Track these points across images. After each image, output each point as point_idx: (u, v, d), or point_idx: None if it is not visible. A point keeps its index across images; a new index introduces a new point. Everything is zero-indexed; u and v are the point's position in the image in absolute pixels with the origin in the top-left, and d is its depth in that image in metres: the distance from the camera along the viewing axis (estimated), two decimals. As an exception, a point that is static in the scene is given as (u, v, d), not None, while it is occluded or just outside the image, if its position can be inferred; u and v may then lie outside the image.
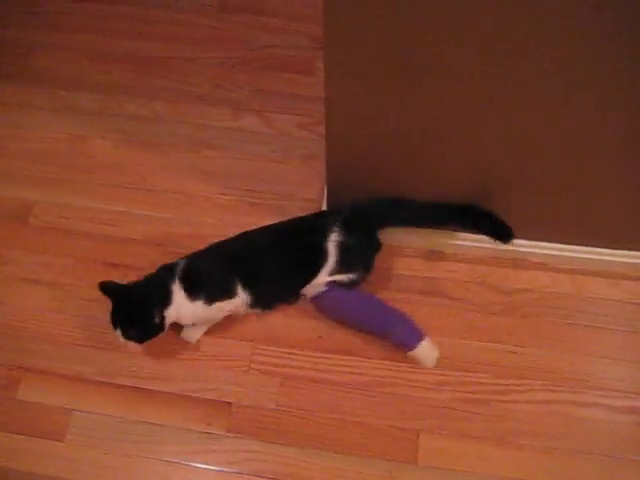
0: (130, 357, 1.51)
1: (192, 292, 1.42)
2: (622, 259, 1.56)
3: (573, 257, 1.57)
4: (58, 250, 1.66)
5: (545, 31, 1.06)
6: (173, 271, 1.44)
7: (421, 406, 1.45)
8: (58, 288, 1.61)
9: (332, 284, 1.47)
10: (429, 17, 1.07)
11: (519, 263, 1.60)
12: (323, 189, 1.63)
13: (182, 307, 1.42)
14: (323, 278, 1.47)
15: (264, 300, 1.50)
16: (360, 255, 1.50)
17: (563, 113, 1.21)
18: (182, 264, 1.45)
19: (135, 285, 1.43)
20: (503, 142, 1.30)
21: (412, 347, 1.46)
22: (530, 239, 1.57)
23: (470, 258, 1.61)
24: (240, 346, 1.53)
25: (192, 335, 1.52)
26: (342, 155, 1.43)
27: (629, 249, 1.55)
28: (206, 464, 1.42)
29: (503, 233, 1.48)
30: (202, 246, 1.51)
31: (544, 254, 1.58)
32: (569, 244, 1.57)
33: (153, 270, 1.47)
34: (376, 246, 1.54)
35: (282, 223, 1.53)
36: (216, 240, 1.52)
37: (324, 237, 1.46)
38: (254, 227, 1.53)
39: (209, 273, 1.46)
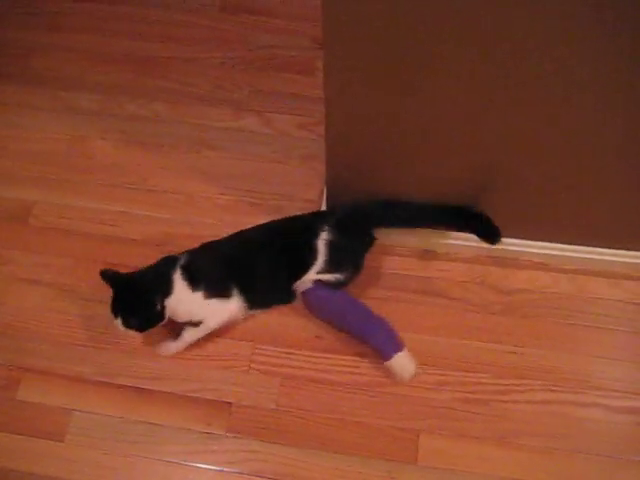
0: (130, 357, 1.52)
1: (193, 283, 1.44)
2: (623, 259, 1.56)
3: (573, 257, 1.57)
4: (58, 250, 1.66)
5: (545, 31, 1.06)
6: (175, 262, 1.46)
7: (421, 406, 1.45)
8: (58, 288, 1.61)
9: (319, 283, 1.47)
10: (429, 16, 1.07)
11: (519, 263, 1.60)
12: (323, 189, 1.63)
13: (182, 298, 1.43)
14: (312, 275, 1.47)
15: (259, 299, 1.51)
16: (350, 256, 1.51)
17: (563, 113, 1.21)
18: (185, 256, 1.47)
19: (137, 273, 1.45)
20: (503, 142, 1.30)
21: (388, 357, 1.45)
22: (530, 239, 1.57)
23: (467, 257, 1.61)
24: (240, 346, 1.53)
25: (169, 348, 1.51)
26: (342, 155, 1.43)
27: (630, 249, 1.55)
28: (206, 464, 1.42)
29: (491, 234, 1.51)
30: (202, 246, 1.52)
31: (544, 254, 1.58)
32: (569, 244, 1.57)
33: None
34: (367, 247, 1.55)
35: (277, 221, 1.55)
36: (216, 240, 1.53)
37: (315, 235, 1.47)
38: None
39: (209, 268, 1.48)
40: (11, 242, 1.68)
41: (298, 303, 1.54)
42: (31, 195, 1.74)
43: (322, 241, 1.47)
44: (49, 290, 1.61)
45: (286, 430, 1.44)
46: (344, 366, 1.50)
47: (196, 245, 1.53)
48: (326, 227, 1.48)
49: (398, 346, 1.45)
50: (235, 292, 1.47)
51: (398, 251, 1.62)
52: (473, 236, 1.54)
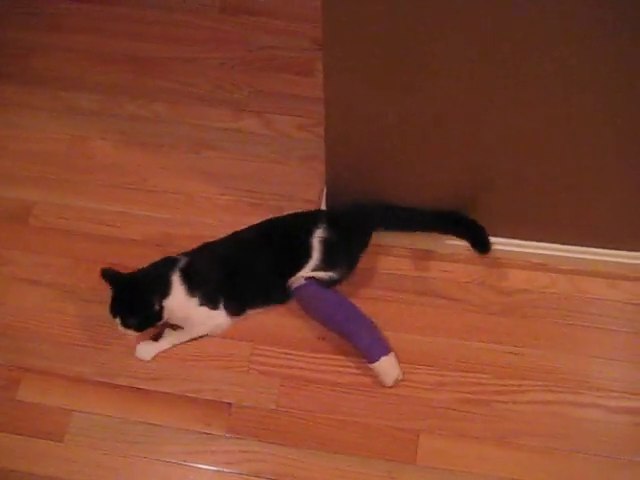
0: (130, 357, 1.51)
1: (190, 287, 1.45)
2: (621, 260, 1.56)
3: (572, 257, 1.57)
4: (58, 250, 1.66)
5: (545, 31, 1.06)
6: (175, 263, 1.46)
7: (421, 406, 1.45)
8: (58, 288, 1.61)
9: (311, 280, 1.48)
10: (429, 17, 1.07)
11: (519, 263, 1.60)
12: (322, 190, 1.63)
13: (178, 301, 1.44)
14: (305, 272, 1.48)
15: (254, 298, 1.52)
16: (344, 254, 1.52)
17: (563, 113, 1.21)
18: (184, 259, 1.48)
19: (137, 273, 1.46)
20: (503, 142, 1.30)
21: (373, 360, 1.44)
22: (529, 239, 1.57)
23: (465, 258, 1.60)
24: (240, 346, 1.53)
25: (148, 352, 1.51)
26: (341, 156, 1.43)
27: (629, 249, 1.55)
28: (206, 464, 1.42)
29: (482, 244, 1.51)
30: (202, 246, 1.52)
31: (543, 254, 1.58)
32: (569, 244, 1.56)
33: (153, 270, 1.48)
34: (363, 247, 1.56)
35: (273, 219, 1.55)
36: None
37: (311, 233, 1.48)
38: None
39: (205, 273, 1.49)
40: (11, 242, 1.67)
41: (296, 303, 1.55)
42: (31, 195, 1.74)
43: (317, 239, 1.47)
44: (49, 290, 1.60)
45: (286, 430, 1.44)
46: (344, 366, 1.50)
47: (196, 245, 1.53)
48: (321, 225, 1.49)
49: (384, 350, 1.45)
50: (221, 305, 1.48)
51: (396, 252, 1.62)
52: (472, 237, 1.54)
